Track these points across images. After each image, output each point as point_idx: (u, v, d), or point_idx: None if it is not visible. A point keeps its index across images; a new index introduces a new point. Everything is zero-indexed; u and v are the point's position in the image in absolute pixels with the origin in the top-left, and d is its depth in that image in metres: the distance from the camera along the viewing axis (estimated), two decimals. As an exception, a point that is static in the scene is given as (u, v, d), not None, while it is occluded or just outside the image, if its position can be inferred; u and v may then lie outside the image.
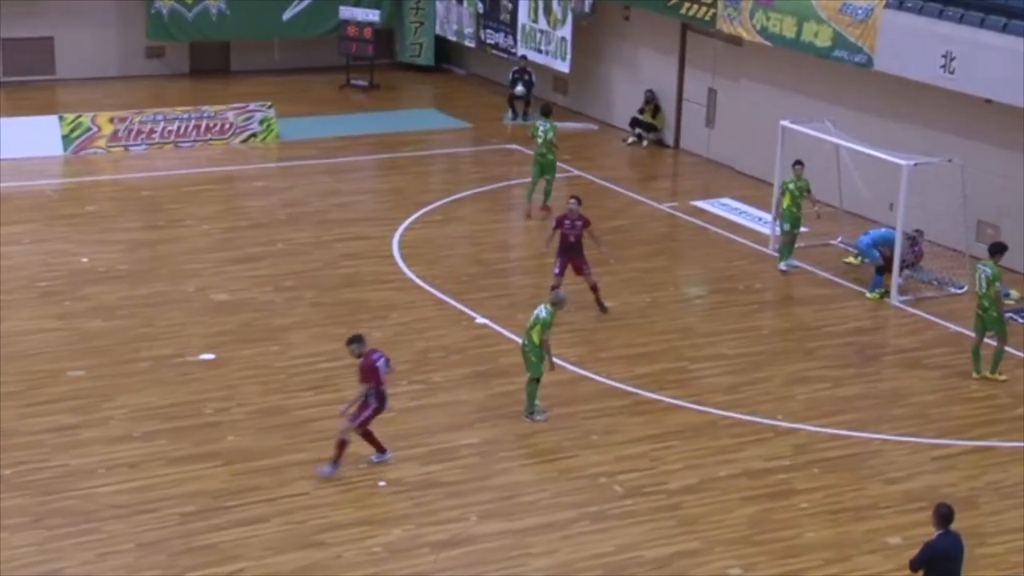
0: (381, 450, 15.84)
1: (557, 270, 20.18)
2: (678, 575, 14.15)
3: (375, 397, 15.47)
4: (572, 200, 20.44)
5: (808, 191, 22.13)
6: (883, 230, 21.63)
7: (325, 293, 20.99)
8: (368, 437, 15.75)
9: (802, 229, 22.56)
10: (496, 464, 16.14)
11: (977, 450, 16.78)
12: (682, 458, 16.35)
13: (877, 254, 21.34)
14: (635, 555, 14.39)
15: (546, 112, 25.23)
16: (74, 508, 14.89)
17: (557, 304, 17.20)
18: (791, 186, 22.08)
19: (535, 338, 16.92)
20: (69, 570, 13.89)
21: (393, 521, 14.89)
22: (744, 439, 16.86)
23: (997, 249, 18.65)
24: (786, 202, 22.09)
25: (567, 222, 20.13)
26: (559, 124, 30.03)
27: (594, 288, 20.16)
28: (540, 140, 24.53)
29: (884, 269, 21.28)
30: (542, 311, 16.99)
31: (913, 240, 21.28)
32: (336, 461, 15.48)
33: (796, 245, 22.54)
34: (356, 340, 15.59)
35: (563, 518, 15.00)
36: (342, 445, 15.46)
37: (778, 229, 22.58)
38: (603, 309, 20.20)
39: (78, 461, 15.85)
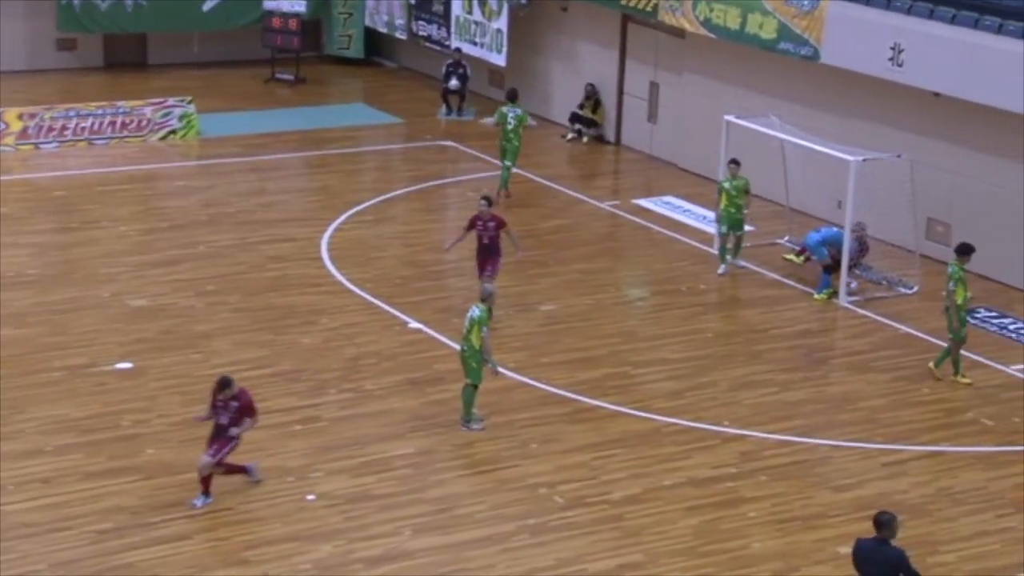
0: (207, 493, 15.33)
1: (479, 274, 20.14)
2: (621, 589, 14.27)
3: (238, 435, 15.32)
4: (482, 201, 20.29)
5: (747, 190, 22.18)
6: (834, 230, 21.85)
7: (250, 298, 20.91)
8: (230, 469, 15.51)
9: (747, 228, 22.73)
10: (431, 475, 16.17)
11: (928, 455, 17.03)
12: (625, 467, 16.46)
13: (825, 252, 21.55)
14: (577, 568, 14.47)
15: (512, 97, 25.58)
16: (-17, 527, 14.74)
17: (487, 299, 17.23)
18: (726, 185, 22.14)
19: (475, 342, 16.95)
20: (-22, 593, 13.77)
21: (323, 537, 14.87)
22: (689, 446, 17.00)
23: (962, 250, 18.82)
24: (722, 203, 22.16)
25: (479, 223, 20.05)
26: (494, 120, 30.18)
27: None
28: (511, 126, 25.07)
29: (832, 268, 21.52)
30: (475, 311, 17.05)
31: (860, 239, 21.46)
32: (207, 494, 15.29)
33: (743, 245, 22.67)
34: (228, 384, 15.17)
35: (502, 531, 15.05)
36: (207, 481, 15.27)
37: (721, 230, 22.58)
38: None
39: (-13, 477, 15.70)
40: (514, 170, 26.21)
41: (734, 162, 22.19)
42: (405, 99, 31.91)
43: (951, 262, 18.83)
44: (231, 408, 15.22)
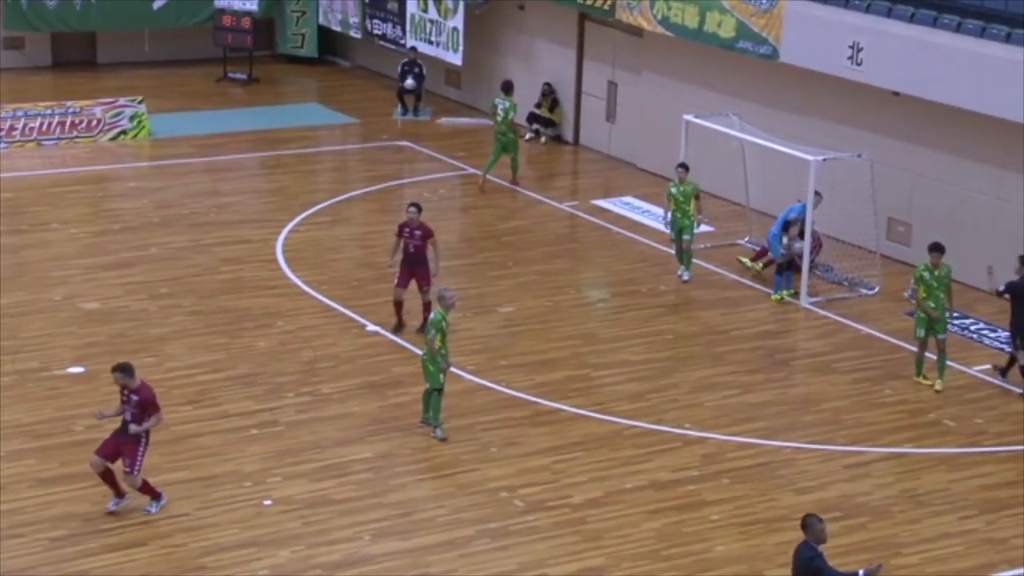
0: (156, 496, 15.29)
1: (397, 281, 19.62)
2: (584, 593, 14.30)
3: (146, 433, 15.04)
4: (411, 208, 19.67)
5: (696, 195, 22.07)
6: (786, 210, 21.81)
7: (204, 301, 20.82)
8: (105, 477, 15.22)
9: (708, 228, 22.77)
10: (391, 480, 16.15)
11: (890, 457, 17.16)
12: (586, 470, 16.49)
13: (780, 250, 21.56)
14: (538, 573, 14.49)
15: (507, 89, 25.99)
16: (-68, 536, 14.61)
17: (442, 300, 17.08)
18: (673, 191, 21.99)
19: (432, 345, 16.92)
20: (-72, 603, 13.65)
21: (281, 542, 14.83)
22: (650, 449, 17.06)
23: (931, 248, 18.87)
24: (671, 208, 22.12)
25: (407, 230, 19.57)
26: (451, 120, 30.25)
27: (427, 307, 19.31)
28: (500, 118, 25.54)
29: (784, 268, 21.54)
30: (433, 314, 17.03)
31: (814, 235, 21.44)
32: (157, 497, 15.22)
33: (692, 249, 22.42)
34: (125, 369, 14.88)
35: (462, 535, 15.06)
36: (147, 488, 15.11)
37: (672, 236, 22.49)
38: (422, 328, 18.70)
39: (-64, 485, 15.56)
40: (471, 170, 26.26)
41: (682, 167, 22.13)
42: (360, 99, 31.87)
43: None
44: (132, 403, 14.90)
